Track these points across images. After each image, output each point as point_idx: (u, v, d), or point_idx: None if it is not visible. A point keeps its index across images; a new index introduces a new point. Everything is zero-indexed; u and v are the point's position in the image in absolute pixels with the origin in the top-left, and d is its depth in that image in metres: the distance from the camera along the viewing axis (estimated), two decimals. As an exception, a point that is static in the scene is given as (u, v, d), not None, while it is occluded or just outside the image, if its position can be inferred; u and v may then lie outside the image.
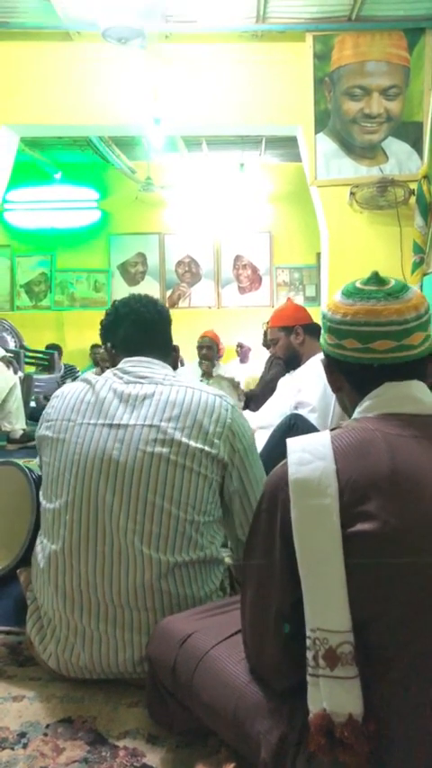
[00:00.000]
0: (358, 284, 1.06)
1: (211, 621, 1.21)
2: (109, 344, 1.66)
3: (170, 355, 1.66)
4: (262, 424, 2.69)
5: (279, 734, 0.93)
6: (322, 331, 1.11)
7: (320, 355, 2.57)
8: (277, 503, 0.94)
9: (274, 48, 5.01)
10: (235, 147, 7.55)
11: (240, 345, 7.40)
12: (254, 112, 5.08)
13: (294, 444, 0.97)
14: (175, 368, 1.68)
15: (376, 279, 1.05)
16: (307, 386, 2.48)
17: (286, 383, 2.78)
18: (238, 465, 1.49)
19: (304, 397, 2.44)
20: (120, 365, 1.56)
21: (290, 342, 2.71)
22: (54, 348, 7.45)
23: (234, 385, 4.37)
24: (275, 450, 2.17)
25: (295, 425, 2.28)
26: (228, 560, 1.59)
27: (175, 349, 1.70)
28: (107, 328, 1.67)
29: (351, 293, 1.05)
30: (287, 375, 2.84)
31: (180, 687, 1.14)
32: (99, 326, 1.69)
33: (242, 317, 8.20)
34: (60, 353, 7.55)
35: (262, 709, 0.98)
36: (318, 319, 2.85)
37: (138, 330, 1.61)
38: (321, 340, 1.11)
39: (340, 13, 4.78)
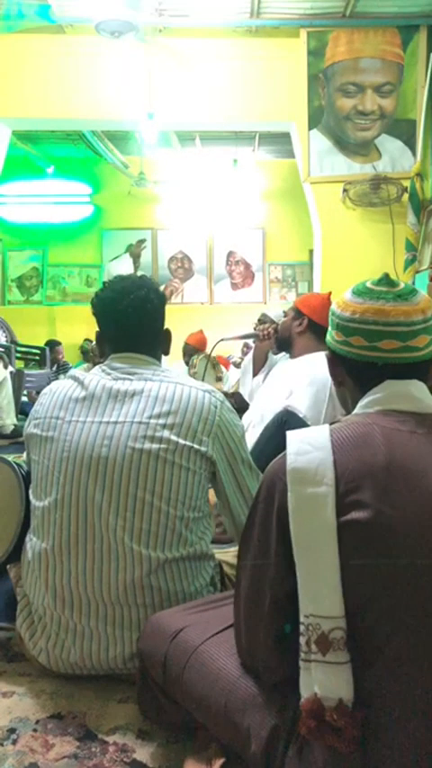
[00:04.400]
0: (369, 284, 1.08)
1: (202, 616, 1.21)
2: (98, 332, 1.61)
3: (160, 344, 1.61)
4: (254, 422, 2.66)
5: (269, 727, 0.94)
6: (329, 327, 1.13)
7: (313, 356, 2.57)
8: (274, 492, 0.96)
9: (269, 43, 5.00)
10: (228, 143, 7.53)
11: (247, 346, 7.33)
12: (247, 108, 5.07)
13: (294, 436, 0.99)
14: (167, 353, 1.64)
15: (387, 280, 1.07)
16: (297, 391, 2.45)
17: (277, 379, 2.76)
18: (230, 461, 1.49)
19: (294, 403, 2.42)
20: (108, 361, 1.55)
21: (291, 325, 2.70)
22: (55, 343, 7.44)
23: (213, 364, 4.35)
24: (268, 445, 2.17)
25: (287, 422, 2.28)
26: (218, 555, 1.59)
27: (167, 333, 1.63)
28: (96, 317, 1.60)
29: (361, 292, 1.07)
30: (276, 366, 2.82)
31: (171, 682, 1.14)
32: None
33: (234, 312, 8.20)
34: (61, 349, 7.53)
35: (252, 703, 0.99)
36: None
37: (125, 325, 1.54)
38: (328, 336, 1.13)
39: (335, 10, 4.78)
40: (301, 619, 0.90)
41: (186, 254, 8.67)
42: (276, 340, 2.77)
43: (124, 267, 8.19)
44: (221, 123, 5.44)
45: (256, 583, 0.99)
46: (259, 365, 2.93)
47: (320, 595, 0.89)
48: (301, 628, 0.90)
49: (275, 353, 2.88)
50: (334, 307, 1.11)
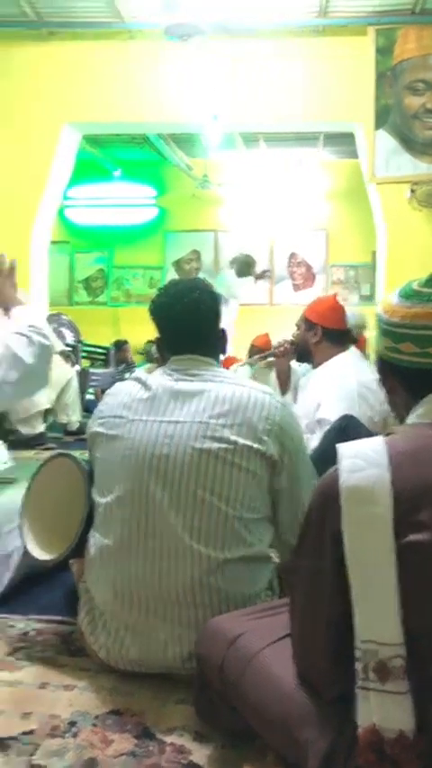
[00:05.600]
0: (416, 286, 1.03)
1: (260, 623, 1.20)
2: (157, 337, 1.65)
3: (218, 346, 1.63)
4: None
5: (328, 743, 0.92)
6: (376, 333, 1.08)
7: (333, 362, 2.53)
8: (327, 510, 0.92)
9: (336, 42, 4.94)
10: (293, 144, 7.48)
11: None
12: (313, 109, 5.03)
13: (346, 450, 0.95)
14: (224, 352, 1.66)
15: None
16: (327, 402, 2.41)
17: (303, 390, 2.71)
18: (287, 464, 1.47)
19: (325, 415, 2.38)
20: (169, 363, 1.58)
21: (307, 336, 2.67)
22: (123, 343, 7.58)
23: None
24: (328, 452, 2.13)
25: (347, 427, 2.24)
26: (276, 559, 1.58)
27: (223, 333, 1.65)
28: (154, 322, 1.64)
29: (409, 295, 1.02)
30: (303, 379, 2.79)
31: (228, 687, 1.14)
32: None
33: (295, 314, 8.11)
34: (128, 348, 7.66)
35: (311, 716, 0.97)
36: (372, 319, 2.79)
37: (180, 328, 1.58)
38: (376, 343, 1.09)
39: (404, 6, 4.68)
40: (358, 644, 0.87)
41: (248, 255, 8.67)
42: (296, 353, 2.76)
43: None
44: (286, 124, 5.42)
45: (311, 601, 0.97)
46: (284, 381, 2.92)
47: (378, 621, 0.85)
48: (357, 653, 0.87)
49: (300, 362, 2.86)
50: (380, 311, 1.06)
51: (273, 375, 3.06)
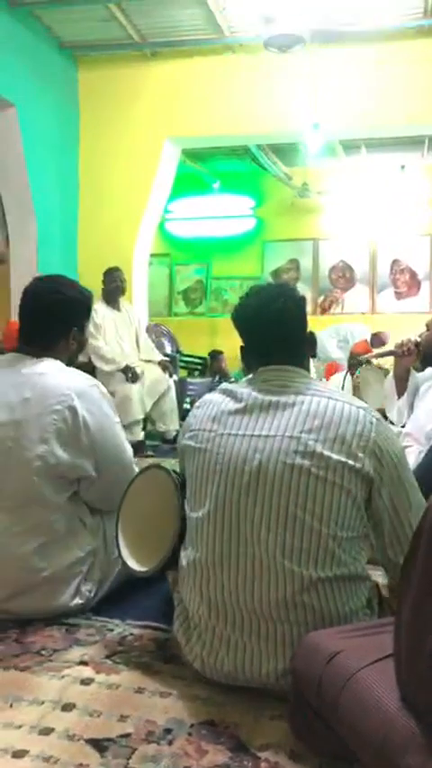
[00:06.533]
0: None
1: (359, 642, 1.16)
2: (242, 346, 1.62)
3: (305, 353, 1.59)
4: (403, 444, 2.49)
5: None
6: None
7: None
8: None
9: (441, 42, 4.78)
10: (395, 149, 7.30)
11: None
12: (417, 112, 4.89)
13: None
14: (314, 356, 1.62)
15: None
16: None
17: (422, 400, 2.56)
18: (387, 481, 1.41)
19: None
20: (258, 374, 1.54)
21: None
22: (217, 353, 7.67)
23: (384, 373, 4.08)
24: (432, 466, 2.04)
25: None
26: (379, 580, 1.52)
27: (311, 336, 1.61)
28: (237, 329, 1.60)
29: None
30: (425, 386, 2.63)
31: (325, 706, 1.10)
32: None
33: (398, 323, 7.89)
34: (223, 358, 7.75)
35: (414, 742, 0.92)
36: None
37: (266, 339, 1.53)
38: None
39: None
40: None
41: (348, 263, 8.51)
42: (422, 355, 2.61)
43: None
44: (389, 129, 5.30)
45: (420, 619, 0.92)
46: (402, 383, 2.73)
47: None
48: None
49: (419, 370, 2.69)
50: None
51: (386, 381, 2.90)
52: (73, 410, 1.79)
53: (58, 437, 1.77)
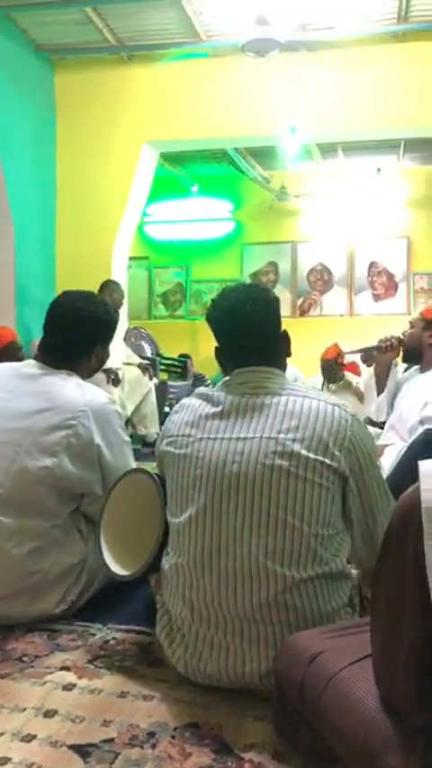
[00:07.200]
0: None
1: (341, 642, 1.17)
2: (216, 348, 1.62)
3: (281, 352, 1.59)
4: (385, 442, 2.53)
5: (413, 770, 0.88)
6: None
7: None
8: (408, 532, 0.89)
9: (415, 47, 4.86)
10: (372, 153, 7.36)
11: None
12: (393, 115, 4.95)
13: (428, 468, 0.91)
14: (289, 355, 1.62)
15: None
16: None
17: (410, 394, 2.60)
18: (358, 477, 1.43)
19: (430, 412, 2.30)
20: (233, 376, 1.54)
21: (420, 335, 2.59)
22: (185, 357, 7.68)
23: (358, 395, 4.16)
24: (410, 466, 2.07)
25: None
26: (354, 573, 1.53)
27: (285, 336, 1.60)
28: (212, 330, 1.60)
29: None
30: (406, 384, 2.67)
31: (308, 706, 1.11)
32: None
33: (376, 324, 7.96)
34: (190, 363, 7.75)
35: (394, 741, 0.93)
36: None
37: (238, 341, 1.54)
38: None
39: None
40: None
41: (326, 265, 8.56)
42: (404, 352, 2.66)
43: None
44: (366, 132, 5.35)
45: (392, 624, 0.93)
46: (383, 378, 2.79)
47: None
48: None
49: (406, 365, 2.76)
50: None
51: (366, 373, 2.96)
52: (86, 427, 1.80)
53: (68, 451, 1.78)
